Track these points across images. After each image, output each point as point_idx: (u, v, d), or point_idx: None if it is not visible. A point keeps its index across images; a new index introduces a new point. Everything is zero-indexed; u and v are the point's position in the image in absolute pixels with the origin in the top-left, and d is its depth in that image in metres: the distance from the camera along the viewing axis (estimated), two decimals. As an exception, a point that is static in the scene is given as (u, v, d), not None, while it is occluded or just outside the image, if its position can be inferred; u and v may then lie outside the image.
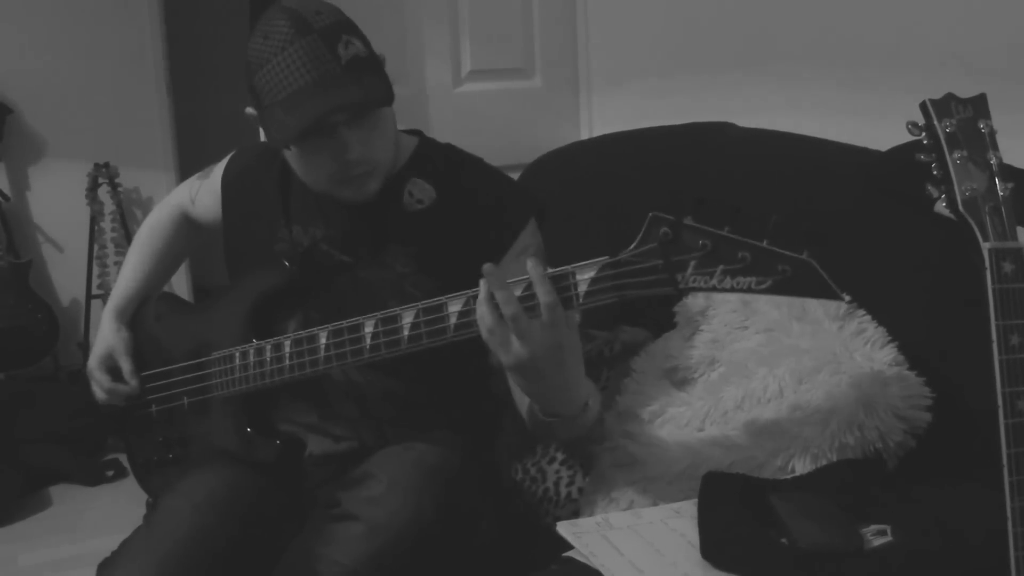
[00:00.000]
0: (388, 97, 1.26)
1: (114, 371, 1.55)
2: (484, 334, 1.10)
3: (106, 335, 1.58)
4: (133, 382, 1.54)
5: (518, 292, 1.08)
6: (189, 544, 1.26)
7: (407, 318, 1.18)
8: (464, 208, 1.38)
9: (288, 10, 1.25)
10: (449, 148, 1.47)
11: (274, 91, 1.23)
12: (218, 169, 1.57)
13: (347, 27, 1.26)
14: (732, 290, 0.99)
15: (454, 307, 1.15)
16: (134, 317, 1.61)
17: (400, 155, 1.41)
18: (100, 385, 1.54)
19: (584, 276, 1.06)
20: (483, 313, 1.09)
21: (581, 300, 1.07)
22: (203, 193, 1.59)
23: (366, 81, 1.24)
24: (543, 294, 1.07)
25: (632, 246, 1.03)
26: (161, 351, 1.54)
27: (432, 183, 1.40)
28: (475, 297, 1.12)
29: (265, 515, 1.35)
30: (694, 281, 1.01)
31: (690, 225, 1.00)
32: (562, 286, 1.07)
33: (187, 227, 1.65)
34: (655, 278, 1.02)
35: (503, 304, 1.08)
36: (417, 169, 1.41)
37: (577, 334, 1.13)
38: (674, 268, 1.01)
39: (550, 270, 1.08)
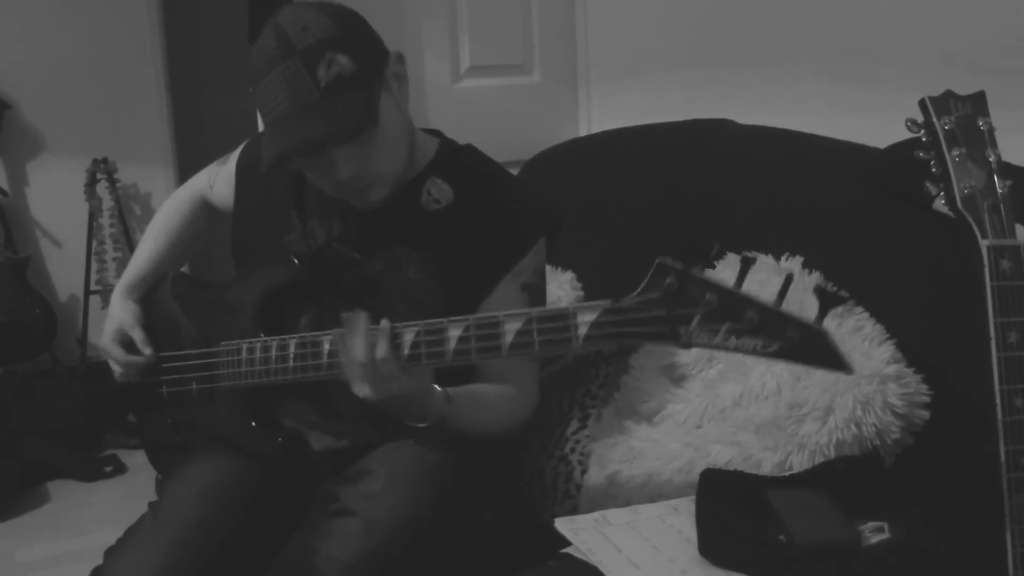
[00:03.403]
0: (363, 122, 1.23)
1: (128, 345, 1.55)
2: (350, 371, 1.17)
3: (115, 311, 1.58)
4: (147, 351, 1.53)
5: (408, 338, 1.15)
6: (196, 530, 1.27)
7: (408, 336, 1.16)
8: (481, 212, 1.38)
9: (277, 25, 1.24)
10: (470, 150, 1.47)
11: (263, 112, 1.25)
12: (234, 156, 1.57)
13: (333, 42, 1.22)
14: (736, 350, 0.95)
15: (454, 332, 1.13)
16: (149, 295, 1.60)
17: (420, 157, 1.41)
18: (116, 359, 1.54)
19: (584, 319, 1.04)
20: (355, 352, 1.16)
21: (580, 343, 1.05)
22: (220, 180, 1.59)
23: (343, 106, 1.22)
24: (380, 351, 1.14)
25: (636, 292, 1.00)
26: (175, 331, 1.54)
27: (451, 184, 1.40)
28: (475, 324, 1.11)
29: (266, 507, 1.35)
30: (697, 337, 0.97)
31: (697, 277, 0.96)
32: (561, 326, 1.05)
33: (205, 212, 1.65)
34: (657, 329, 0.99)
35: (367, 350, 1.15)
36: (437, 170, 1.41)
37: (424, 377, 1.20)
38: (677, 321, 0.97)
39: (550, 307, 1.09)
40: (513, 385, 1.37)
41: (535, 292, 1.39)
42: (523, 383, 1.39)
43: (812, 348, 0.92)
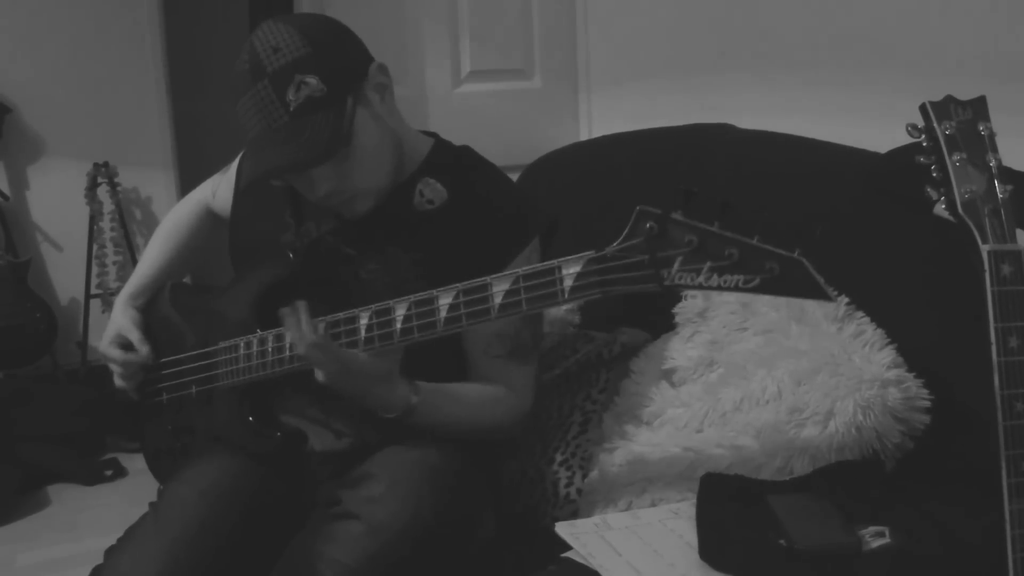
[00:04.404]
0: (332, 145, 1.24)
1: (126, 347, 1.56)
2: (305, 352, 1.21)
3: (115, 317, 1.59)
4: (144, 349, 1.53)
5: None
6: (197, 529, 1.27)
7: (400, 310, 1.18)
8: (474, 213, 1.39)
9: (251, 46, 1.27)
10: (465, 150, 1.48)
11: (244, 130, 1.29)
12: (236, 162, 1.59)
13: (303, 64, 1.24)
14: (719, 288, 0.97)
15: (444, 300, 1.15)
16: (148, 304, 1.61)
17: (413, 159, 1.41)
18: (113, 358, 1.54)
19: (570, 271, 1.06)
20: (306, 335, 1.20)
21: (567, 295, 1.06)
22: (223, 187, 1.61)
23: (312, 130, 1.23)
24: (296, 343, 1.20)
25: (618, 240, 1.02)
26: (173, 338, 1.54)
27: (444, 184, 1.40)
28: (464, 291, 1.13)
29: (267, 507, 1.35)
30: (680, 278, 0.98)
31: (677, 220, 0.98)
32: (548, 280, 1.07)
33: (208, 221, 1.67)
34: (640, 274, 1.01)
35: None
36: (430, 170, 1.41)
37: (388, 363, 1.21)
38: (659, 264, 0.99)
39: (536, 265, 1.09)
40: (502, 386, 1.38)
41: None
42: (513, 384, 1.39)
43: (792, 279, 0.94)
